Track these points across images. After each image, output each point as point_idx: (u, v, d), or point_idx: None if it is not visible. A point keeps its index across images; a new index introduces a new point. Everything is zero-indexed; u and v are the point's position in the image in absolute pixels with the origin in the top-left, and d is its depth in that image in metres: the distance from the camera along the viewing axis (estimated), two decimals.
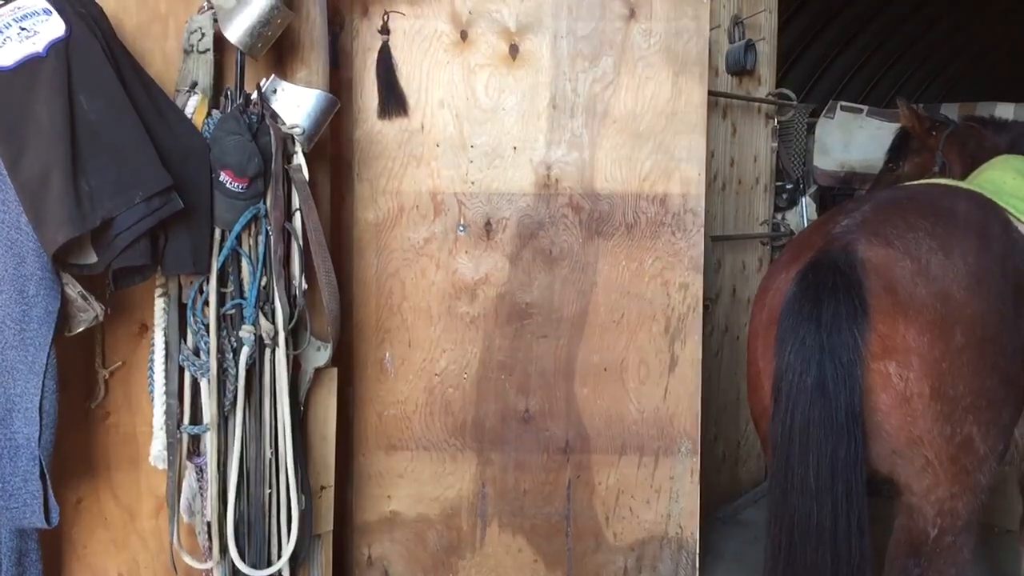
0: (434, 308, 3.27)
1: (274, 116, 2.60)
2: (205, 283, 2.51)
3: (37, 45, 2.13)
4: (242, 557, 2.58)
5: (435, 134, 3.25)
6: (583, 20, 3.23)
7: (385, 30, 3.19)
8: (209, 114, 2.53)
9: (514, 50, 3.23)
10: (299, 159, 2.65)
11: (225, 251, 2.51)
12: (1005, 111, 5.33)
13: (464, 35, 3.22)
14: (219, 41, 2.57)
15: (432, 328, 3.28)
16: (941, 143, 4.10)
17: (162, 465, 2.56)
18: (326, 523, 2.99)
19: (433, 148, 3.25)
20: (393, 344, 3.28)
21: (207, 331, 2.51)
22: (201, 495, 2.61)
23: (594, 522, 3.33)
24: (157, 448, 2.55)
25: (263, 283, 2.58)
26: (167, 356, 2.52)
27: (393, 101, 3.22)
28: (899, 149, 4.37)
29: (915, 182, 3.16)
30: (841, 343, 2.30)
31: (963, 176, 3.69)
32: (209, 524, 2.58)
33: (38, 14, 2.16)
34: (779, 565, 2.42)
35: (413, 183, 3.25)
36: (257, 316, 2.56)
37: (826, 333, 2.30)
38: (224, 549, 2.56)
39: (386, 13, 3.19)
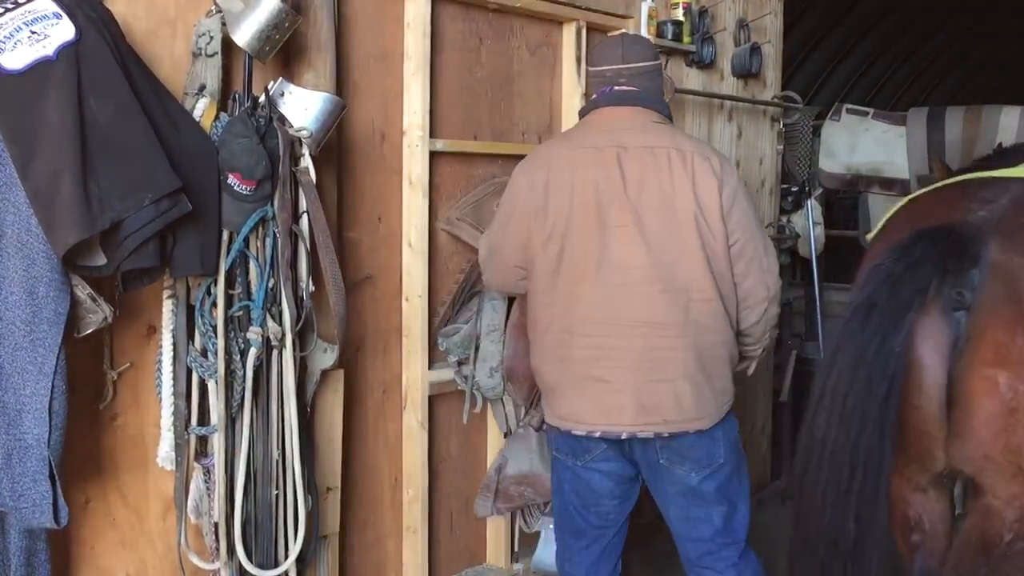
0: None
1: (282, 119, 2.61)
2: (213, 285, 2.52)
3: (47, 49, 2.14)
4: (249, 558, 2.58)
5: None
6: None
7: None
8: (217, 117, 2.54)
9: None
10: (306, 162, 2.66)
11: (233, 253, 2.52)
12: (1011, 114, 5.31)
13: None
14: (227, 44, 2.58)
15: None
16: None
17: (170, 466, 2.57)
18: (333, 524, 3.00)
19: None
20: None
21: (215, 333, 2.52)
22: (208, 496, 2.62)
23: None
24: (165, 449, 2.56)
25: (270, 285, 2.59)
26: (175, 357, 2.53)
27: None
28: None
29: None
30: (929, 333, 2.26)
31: None
32: (216, 525, 2.59)
33: (48, 18, 2.17)
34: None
35: None
36: (264, 318, 2.57)
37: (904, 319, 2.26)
38: (231, 550, 2.57)
39: None
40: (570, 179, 2.57)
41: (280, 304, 2.61)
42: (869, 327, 2.33)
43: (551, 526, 3.27)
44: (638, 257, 2.49)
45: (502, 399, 3.31)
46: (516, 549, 3.67)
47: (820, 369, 2.45)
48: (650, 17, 3.97)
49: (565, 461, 2.71)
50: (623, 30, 3.89)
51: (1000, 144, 4.46)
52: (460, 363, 3.29)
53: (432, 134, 3.27)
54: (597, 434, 2.56)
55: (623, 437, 2.55)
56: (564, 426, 2.62)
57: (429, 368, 3.32)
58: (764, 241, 2.65)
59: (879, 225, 2.88)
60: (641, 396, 2.51)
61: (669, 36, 4.06)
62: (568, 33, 3.74)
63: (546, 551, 3.29)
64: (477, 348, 3.24)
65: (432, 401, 3.37)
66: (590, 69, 2.81)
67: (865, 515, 2.34)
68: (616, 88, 2.68)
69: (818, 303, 5.24)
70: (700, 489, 2.61)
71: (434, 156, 3.30)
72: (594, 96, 2.74)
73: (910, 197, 2.94)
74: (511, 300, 3.23)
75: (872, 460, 2.31)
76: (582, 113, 2.82)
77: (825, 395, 2.40)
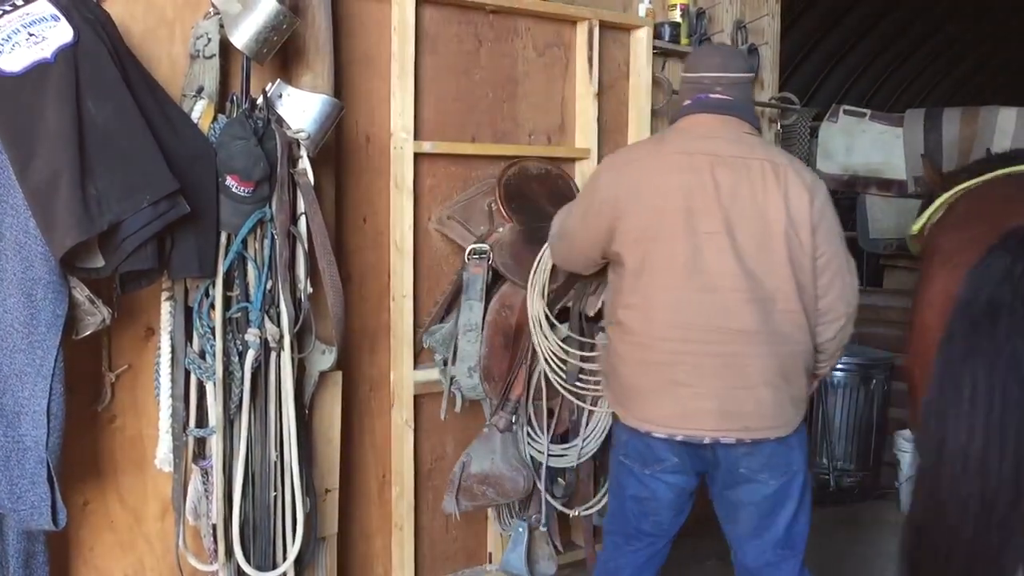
0: None
1: (280, 121, 2.62)
2: (211, 287, 2.53)
3: (45, 51, 2.14)
4: (247, 559, 2.58)
5: None
6: None
7: None
8: (215, 119, 2.54)
9: None
10: (304, 163, 2.67)
11: (231, 255, 2.52)
12: (1008, 116, 5.32)
13: None
14: (225, 46, 2.59)
15: None
16: None
17: (168, 468, 2.58)
18: (331, 526, 3.00)
19: None
20: None
21: (213, 334, 2.52)
22: (207, 498, 2.62)
23: None
24: (163, 451, 2.56)
25: (268, 287, 2.59)
26: (173, 359, 2.54)
27: None
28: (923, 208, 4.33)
29: None
30: None
31: None
32: (215, 526, 2.59)
33: (46, 20, 2.18)
34: None
35: None
36: (262, 320, 2.57)
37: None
38: (229, 551, 2.57)
39: None
40: (661, 183, 2.56)
41: (278, 306, 2.61)
42: (999, 330, 2.33)
43: (520, 528, 3.29)
44: (727, 264, 2.50)
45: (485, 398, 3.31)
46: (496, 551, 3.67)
47: (945, 374, 2.45)
48: (648, 18, 3.97)
49: (632, 467, 2.68)
50: (643, 28, 3.90)
51: (988, 151, 4.47)
52: (446, 362, 3.30)
53: (420, 136, 3.27)
54: (679, 438, 2.55)
55: (705, 442, 2.55)
56: (643, 428, 2.59)
57: (417, 368, 3.32)
58: (848, 258, 2.66)
59: (929, 217, 2.87)
60: (724, 402, 2.51)
61: (666, 38, 4.06)
62: (581, 32, 3.74)
63: (514, 553, 3.30)
64: (456, 348, 3.24)
65: (422, 400, 3.37)
66: (684, 75, 2.80)
67: (1009, 524, 2.36)
68: (712, 96, 2.69)
69: None
70: (773, 496, 2.62)
71: (424, 158, 3.30)
72: (688, 102, 2.73)
73: (962, 188, 2.93)
74: (488, 299, 3.23)
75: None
76: (673, 118, 2.81)
77: (961, 402, 2.41)
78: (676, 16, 4.13)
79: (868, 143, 5.54)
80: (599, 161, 3.79)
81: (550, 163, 3.63)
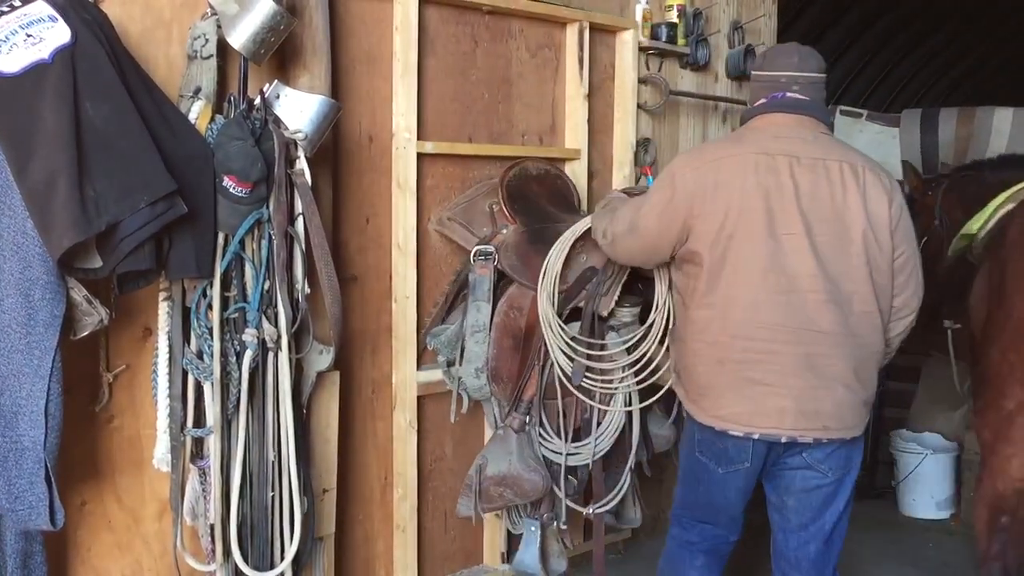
0: None
1: (277, 121, 2.62)
2: (209, 287, 2.53)
3: (43, 52, 2.14)
4: (245, 559, 2.59)
5: None
6: None
7: None
8: (212, 119, 2.54)
9: None
10: (302, 164, 2.67)
11: (228, 255, 2.53)
12: (1004, 116, 5.34)
13: None
14: (222, 47, 2.59)
15: None
16: (938, 199, 4.11)
17: (166, 468, 2.58)
18: (328, 526, 3.01)
19: None
20: None
21: (210, 335, 2.52)
22: (204, 498, 2.62)
23: None
24: (161, 451, 2.56)
25: (266, 287, 2.59)
26: (171, 360, 2.54)
27: None
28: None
29: None
30: None
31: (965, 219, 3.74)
32: (212, 527, 2.59)
33: (44, 20, 2.18)
34: None
35: None
36: (260, 320, 2.57)
37: None
38: (227, 551, 2.58)
39: None
40: (740, 183, 2.58)
41: (276, 306, 2.61)
42: None
43: (533, 527, 3.28)
44: (806, 266, 2.54)
45: (491, 399, 3.31)
46: (512, 550, 3.67)
47: None
48: (644, 19, 3.98)
49: (708, 464, 2.74)
50: (629, 30, 3.91)
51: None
52: (450, 364, 3.30)
53: (422, 136, 3.28)
54: (756, 436, 2.60)
55: (783, 440, 2.59)
56: (720, 426, 2.63)
57: (419, 369, 3.32)
58: (919, 257, 2.74)
59: (992, 213, 3.18)
60: (802, 401, 2.56)
61: (663, 38, 4.07)
62: (571, 34, 3.75)
63: (528, 552, 3.30)
64: (463, 349, 3.25)
65: (424, 401, 3.37)
66: (758, 74, 2.82)
67: None
68: (789, 95, 2.71)
69: None
70: (827, 489, 2.71)
71: (425, 158, 3.31)
72: (762, 100, 2.75)
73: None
74: (495, 301, 3.23)
75: None
76: (746, 116, 2.83)
77: None
78: (673, 17, 4.14)
79: (865, 143, 5.55)
80: (589, 163, 3.80)
81: (548, 163, 3.64)
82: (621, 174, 3.99)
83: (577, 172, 3.74)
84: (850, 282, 2.58)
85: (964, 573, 4.13)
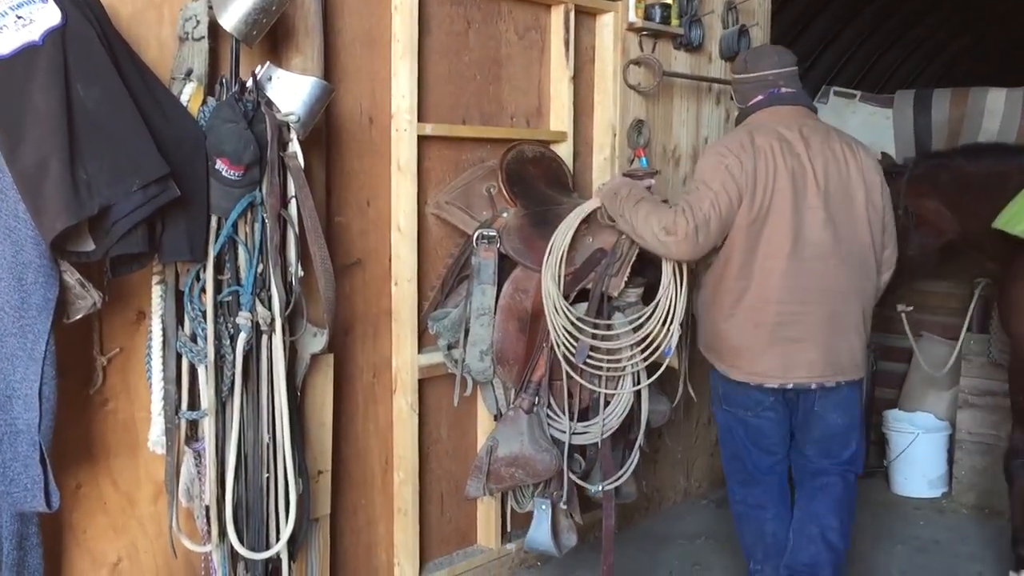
0: None
1: (269, 104, 2.61)
2: (202, 270, 2.52)
3: (34, 33, 2.13)
4: (240, 540, 2.60)
5: None
6: None
7: None
8: (204, 102, 2.53)
9: None
10: (294, 146, 2.66)
11: (221, 238, 2.52)
12: (996, 97, 5.33)
13: None
14: (214, 28, 2.57)
15: None
16: (903, 188, 3.88)
17: (160, 450, 2.58)
18: (323, 507, 3.02)
19: None
20: None
21: (204, 318, 2.52)
22: (199, 480, 2.63)
23: None
24: (155, 433, 2.57)
25: (259, 270, 2.59)
26: (164, 343, 2.54)
27: None
28: None
29: None
30: None
31: (957, 218, 3.81)
32: (208, 508, 2.61)
33: (34, 2, 2.16)
34: None
35: None
36: (254, 303, 2.58)
37: None
38: (223, 533, 2.59)
39: None
40: (771, 166, 2.95)
41: (269, 289, 2.61)
42: None
43: (543, 506, 3.31)
44: (826, 235, 2.97)
45: (492, 382, 3.33)
46: (508, 529, 3.70)
47: None
48: (637, 0, 3.97)
49: (737, 413, 3.14)
50: (610, 12, 3.90)
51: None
52: (450, 347, 3.31)
53: (421, 118, 3.27)
54: (790, 386, 3.03)
55: (812, 387, 3.03)
56: (754, 381, 3.04)
57: (419, 352, 3.33)
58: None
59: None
60: (828, 353, 3.01)
61: (657, 19, 4.05)
62: (556, 16, 3.74)
63: (539, 530, 3.33)
64: (467, 332, 3.26)
65: (422, 385, 3.38)
66: (745, 76, 3.18)
67: None
68: (782, 90, 3.12)
69: None
70: (841, 424, 3.11)
71: (423, 140, 3.30)
72: (759, 97, 3.13)
73: None
74: (500, 284, 3.24)
75: None
76: (745, 113, 3.17)
77: None
78: None
79: (858, 124, 5.55)
80: (575, 143, 3.80)
81: (542, 146, 3.63)
82: (601, 156, 3.99)
83: (563, 154, 3.74)
84: (857, 244, 3.03)
85: (954, 550, 4.17)
